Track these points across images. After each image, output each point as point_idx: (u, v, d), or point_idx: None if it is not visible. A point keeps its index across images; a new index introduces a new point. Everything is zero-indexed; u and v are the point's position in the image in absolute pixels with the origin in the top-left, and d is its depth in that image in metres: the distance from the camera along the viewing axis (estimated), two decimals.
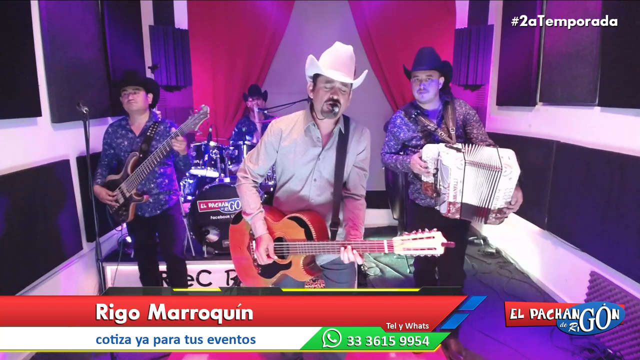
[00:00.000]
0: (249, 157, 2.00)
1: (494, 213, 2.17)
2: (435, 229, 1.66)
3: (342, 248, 1.74)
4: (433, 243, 1.64)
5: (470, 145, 2.21)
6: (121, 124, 2.86)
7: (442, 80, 2.42)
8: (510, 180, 2.10)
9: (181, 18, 4.59)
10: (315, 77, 1.81)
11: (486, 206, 2.17)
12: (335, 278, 2.07)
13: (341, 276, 2.07)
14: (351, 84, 1.82)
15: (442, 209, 2.25)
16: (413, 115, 2.40)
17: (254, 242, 2.01)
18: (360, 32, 4.83)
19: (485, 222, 2.22)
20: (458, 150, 2.16)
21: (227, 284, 3.51)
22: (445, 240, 1.64)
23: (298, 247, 1.87)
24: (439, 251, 1.63)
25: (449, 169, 2.13)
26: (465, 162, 2.12)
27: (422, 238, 1.65)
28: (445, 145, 2.19)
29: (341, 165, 1.88)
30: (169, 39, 4.48)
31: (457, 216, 2.23)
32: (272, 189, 2.15)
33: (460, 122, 2.43)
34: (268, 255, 1.89)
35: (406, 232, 1.69)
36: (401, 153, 2.53)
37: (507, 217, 2.22)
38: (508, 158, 2.12)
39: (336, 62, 1.77)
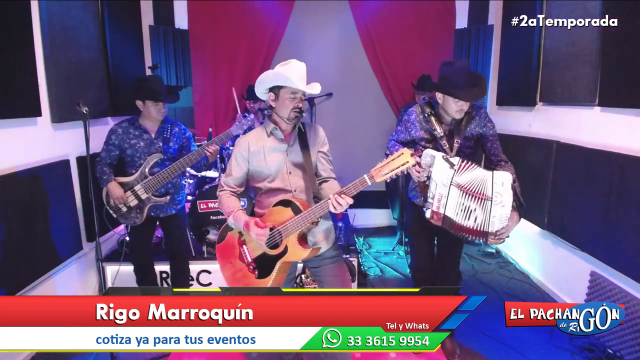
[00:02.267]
0: (224, 175, 2.18)
1: (492, 235, 2.23)
2: (401, 148, 1.82)
3: (331, 198, 1.85)
4: (404, 159, 1.77)
5: (466, 162, 2.19)
6: (133, 124, 2.82)
7: None
8: (504, 207, 2.16)
9: (181, 18, 4.58)
10: (278, 89, 2.03)
11: (483, 229, 2.22)
12: (327, 273, 2.14)
13: (333, 270, 2.14)
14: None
15: (427, 214, 2.28)
16: (426, 114, 2.39)
17: (244, 246, 2.08)
18: (360, 32, 4.82)
19: (486, 243, 2.27)
20: (451, 165, 2.17)
21: None
22: (412, 151, 1.78)
23: (289, 225, 1.96)
24: (412, 162, 1.77)
25: (436, 183, 2.18)
26: (451, 182, 2.17)
27: (393, 159, 1.78)
28: (442, 157, 2.20)
29: (308, 154, 2.09)
30: (169, 39, 4.48)
31: (439, 224, 2.26)
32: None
33: (475, 134, 2.41)
34: (263, 227, 1.96)
35: (379, 162, 1.81)
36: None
37: (507, 236, 2.25)
38: (502, 184, 2.15)
39: (300, 76, 2.00)
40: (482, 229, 2.22)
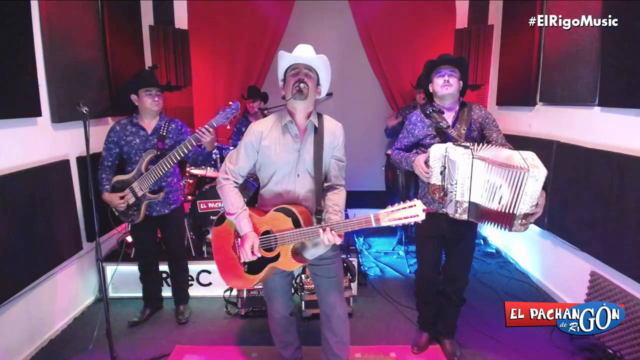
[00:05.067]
0: (228, 158, 2.08)
1: (520, 219, 1.99)
2: (415, 199, 1.76)
3: (321, 230, 1.82)
4: (415, 211, 1.72)
5: (482, 144, 2.15)
6: (131, 122, 2.86)
7: (461, 83, 2.41)
8: (537, 182, 1.93)
9: (181, 18, 4.58)
10: (285, 74, 1.99)
11: (510, 211, 1.99)
12: (323, 274, 2.13)
13: (329, 271, 2.13)
14: (317, 74, 2.00)
15: (449, 209, 2.18)
16: (428, 112, 2.39)
17: (239, 239, 2.06)
18: (360, 32, 4.83)
19: (510, 229, 2.03)
20: (466, 147, 2.11)
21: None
22: (425, 207, 1.72)
23: (286, 237, 1.93)
24: (421, 217, 1.72)
25: (456, 163, 2.06)
26: (473, 157, 2.04)
27: (404, 208, 1.74)
28: (453, 143, 2.16)
29: (319, 158, 2.00)
30: (169, 39, 4.48)
31: (465, 217, 2.13)
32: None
33: (477, 124, 2.40)
34: (253, 253, 1.96)
35: (390, 205, 1.77)
36: (414, 151, 2.51)
37: (532, 222, 2.03)
38: (532, 159, 2.00)
39: (298, 50, 1.98)
40: (508, 211, 1.99)
